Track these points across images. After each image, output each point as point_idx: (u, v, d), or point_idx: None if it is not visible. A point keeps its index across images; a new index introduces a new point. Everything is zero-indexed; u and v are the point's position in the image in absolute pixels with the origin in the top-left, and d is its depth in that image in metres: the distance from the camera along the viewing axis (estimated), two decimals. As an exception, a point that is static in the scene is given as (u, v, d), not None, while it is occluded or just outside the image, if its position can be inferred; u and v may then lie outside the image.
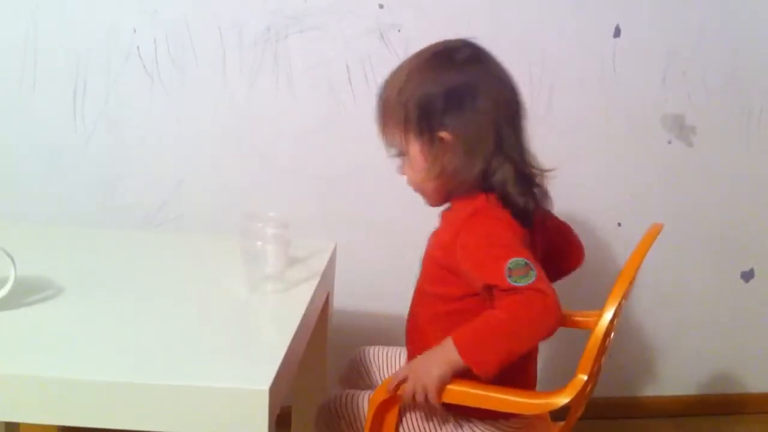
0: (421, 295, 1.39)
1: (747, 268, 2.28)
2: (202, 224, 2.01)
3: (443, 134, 1.26)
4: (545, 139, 2.05)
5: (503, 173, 1.26)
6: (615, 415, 2.28)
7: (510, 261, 1.17)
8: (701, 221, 2.23)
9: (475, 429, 1.32)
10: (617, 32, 2.08)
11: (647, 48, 2.10)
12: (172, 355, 1.13)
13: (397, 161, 1.35)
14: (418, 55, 1.31)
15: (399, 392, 1.25)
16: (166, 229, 2.01)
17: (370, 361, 1.56)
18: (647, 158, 2.17)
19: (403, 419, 1.32)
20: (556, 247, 1.44)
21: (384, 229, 2.07)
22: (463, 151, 1.26)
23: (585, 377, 1.18)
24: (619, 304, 1.20)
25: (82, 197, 2.00)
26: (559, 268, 1.44)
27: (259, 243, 1.37)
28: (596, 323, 1.20)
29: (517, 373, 1.22)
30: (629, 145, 2.16)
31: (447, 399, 1.22)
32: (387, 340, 1.63)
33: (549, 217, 1.42)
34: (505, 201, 1.26)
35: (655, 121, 2.15)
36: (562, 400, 1.19)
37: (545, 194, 1.35)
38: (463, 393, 1.21)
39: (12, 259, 1.27)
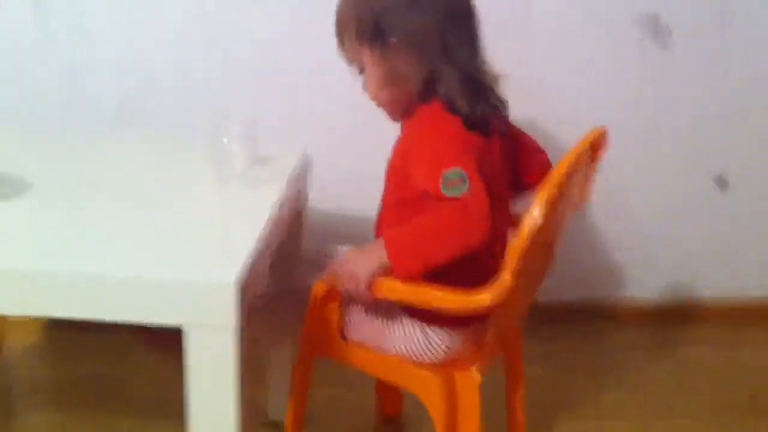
0: (386, 203, 1.42)
1: (719, 172, 2.30)
2: (170, 123, 2.00)
3: (391, 40, 1.28)
4: (518, 41, 2.07)
5: (448, 79, 1.28)
6: (577, 318, 2.30)
7: (446, 170, 1.20)
8: (674, 123, 2.23)
9: (410, 327, 1.35)
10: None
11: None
12: (144, 250, 1.15)
13: (361, 79, 1.36)
14: None
15: (335, 285, 1.30)
16: (135, 128, 2.00)
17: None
18: (620, 58, 2.14)
19: (347, 311, 1.38)
20: (521, 160, 1.46)
21: (354, 133, 2.06)
22: (410, 56, 1.28)
23: (509, 277, 1.18)
24: (554, 204, 1.19)
25: (47, 93, 1.98)
26: (524, 181, 1.45)
27: (225, 140, 1.38)
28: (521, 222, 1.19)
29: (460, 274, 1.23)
30: (602, 45, 2.12)
31: (375, 293, 1.26)
32: (361, 241, 1.65)
33: (511, 127, 1.43)
34: (452, 108, 1.28)
35: (629, 21, 2.12)
36: (483, 298, 1.19)
37: (502, 102, 1.37)
38: (389, 288, 1.24)
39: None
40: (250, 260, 1.12)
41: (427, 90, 1.30)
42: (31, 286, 1.08)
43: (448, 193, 1.19)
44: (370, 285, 1.24)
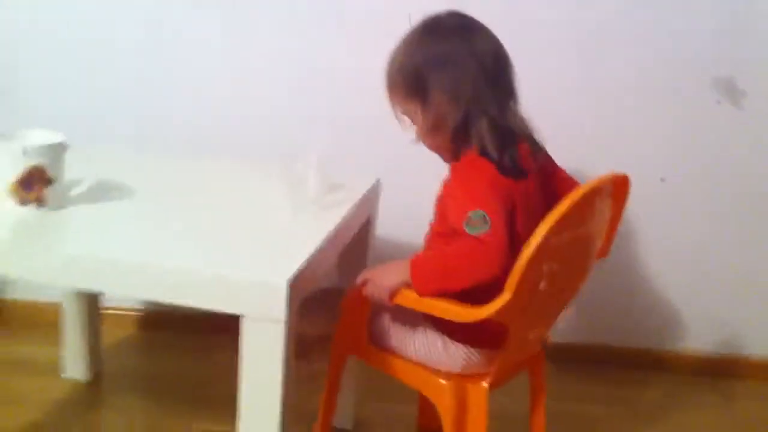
0: (430, 234, 1.58)
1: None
2: (259, 151, 2.19)
3: (432, 92, 1.46)
4: (594, 92, 2.18)
5: (478, 126, 1.44)
6: (640, 365, 2.41)
7: (471, 211, 1.36)
8: (745, 183, 2.29)
9: (432, 337, 1.51)
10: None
11: (702, 6, 2.16)
12: (219, 251, 1.37)
13: (413, 130, 1.53)
14: (412, 30, 1.50)
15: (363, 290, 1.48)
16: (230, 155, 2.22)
17: None
18: (695, 117, 2.24)
19: (375, 317, 1.57)
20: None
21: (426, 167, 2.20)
22: (447, 105, 1.45)
23: (509, 295, 1.31)
24: (559, 231, 1.31)
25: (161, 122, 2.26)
26: None
27: (301, 165, 1.57)
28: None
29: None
30: (678, 103, 2.23)
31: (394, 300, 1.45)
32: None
33: (550, 167, 1.58)
34: (485, 153, 1.44)
35: (706, 82, 2.21)
36: (482, 312, 1.34)
37: (537, 144, 1.52)
38: (406, 296, 1.43)
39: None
40: (304, 266, 1.30)
41: (466, 137, 1.46)
42: (132, 274, 1.30)
43: (470, 231, 1.35)
44: (392, 295, 1.42)
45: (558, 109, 2.15)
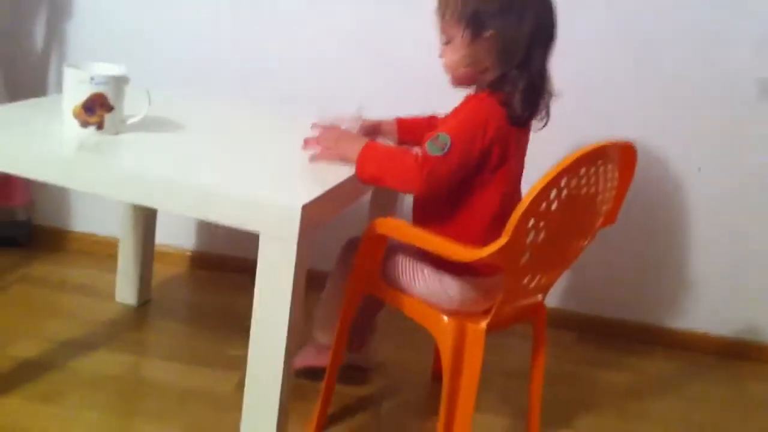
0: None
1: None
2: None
3: (488, 34, 1.52)
4: (640, 86, 2.29)
5: (515, 82, 1.52)
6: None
7: (443, 133, 1.48)
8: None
9: (430, 275, 1.62)
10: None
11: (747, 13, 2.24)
12: (255, 178, 1.53)
13: (442, 47, 1.60)
14: None
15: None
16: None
17: None
18: (736, 116, 2.32)
19: (387, 259, 1.68)
20: None
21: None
22: (497, 53, 1.53)
23: (506, 239, 1.39)
24: (555, 187, 1.41)
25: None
26: None
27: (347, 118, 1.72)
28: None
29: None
30: (720, 102, 2.31)
31: (388, 232, 1.61)
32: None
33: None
34: (505, 102, 1.52)
35: (749, 83, 2.29)
36: (480, 253, 1.44)
37: (547, 113, 1.60)
38: (403, 230, 1.60)
39: (149, 96, 1.68)
40: (319, 196, 1.44)
41: (493, 83, 1.55)
42: (171, 190, 1.45)
43: (427, 146, 1.47)
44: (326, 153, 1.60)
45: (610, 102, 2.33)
